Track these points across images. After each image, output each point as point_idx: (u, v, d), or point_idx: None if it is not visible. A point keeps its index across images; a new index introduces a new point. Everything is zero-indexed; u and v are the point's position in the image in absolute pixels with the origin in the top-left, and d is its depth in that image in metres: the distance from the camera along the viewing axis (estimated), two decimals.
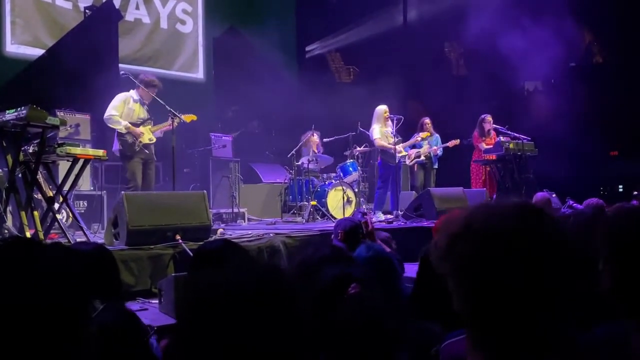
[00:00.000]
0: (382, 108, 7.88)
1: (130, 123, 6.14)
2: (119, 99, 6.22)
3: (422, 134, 8.53)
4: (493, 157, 8.48)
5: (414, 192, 8.95)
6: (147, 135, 6.22)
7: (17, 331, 0.82)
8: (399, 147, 7.68)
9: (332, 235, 3.97)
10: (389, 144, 7.70)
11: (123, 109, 6.17)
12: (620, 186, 10.91)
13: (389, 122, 7.85)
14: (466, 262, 0.96)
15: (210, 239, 4.63)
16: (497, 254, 0.94)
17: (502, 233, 0.95)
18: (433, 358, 1.75)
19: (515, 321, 0.94)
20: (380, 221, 6.88)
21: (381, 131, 7.78)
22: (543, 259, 0.94)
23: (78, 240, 4.68)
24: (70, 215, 5.51)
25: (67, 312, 0.86)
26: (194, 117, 6.51)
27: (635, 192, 8.79)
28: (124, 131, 6.10)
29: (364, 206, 8.30)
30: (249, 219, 8.27)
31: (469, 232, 0.98)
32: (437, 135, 9.00)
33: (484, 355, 0.97)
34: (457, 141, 8.84)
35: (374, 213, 7.49)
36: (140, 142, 6.13)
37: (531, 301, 0.94)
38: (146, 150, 6.17)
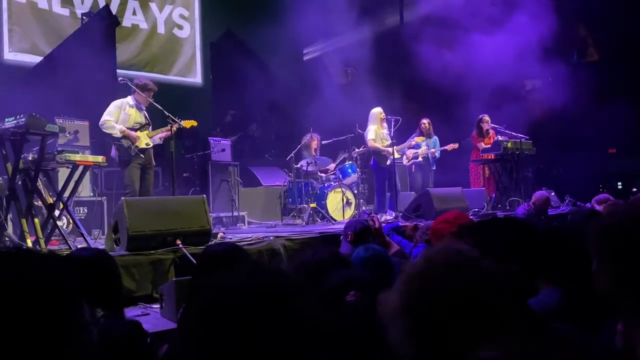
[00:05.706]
0: (377, 110, 8.00)
1: (127, 128, 6.15)
2: (114, 105, 6.24)
3: (417, 138, 8.52)
4: (491, 156, 8.50)
5: (412, 192, 8.96)
6: (144, 139, 6.22)
7: (5, 340, 0.82)
8: (392, 149, 7.71)
9: (342, 237, 3.95)
10: (384, 146, 7.76)
11: (119, 114, 6.18)
12: (620, 183, 10.91)
13: (385, 124, 7.91)
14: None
15: (212, 242, 4.65)
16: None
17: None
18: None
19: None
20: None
21: (376, 132, 7.85)
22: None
23: (79, 247, 4.68)
24: (71, 221, 5.52)
25: (58, 318, 0.85)
26: (194, 123, 6.50)
27: (635, 189, 8.81)
28: (119, 135, 6.10)
29: (364, 207, 8.31)
30: (248, 223, 8.28)
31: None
32: (436, 137, 9.01)
33: None
34: (456, 145, 8.83)
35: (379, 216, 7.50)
36: (137, 146, 6.12)
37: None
38: (142, 155, 6.15)
